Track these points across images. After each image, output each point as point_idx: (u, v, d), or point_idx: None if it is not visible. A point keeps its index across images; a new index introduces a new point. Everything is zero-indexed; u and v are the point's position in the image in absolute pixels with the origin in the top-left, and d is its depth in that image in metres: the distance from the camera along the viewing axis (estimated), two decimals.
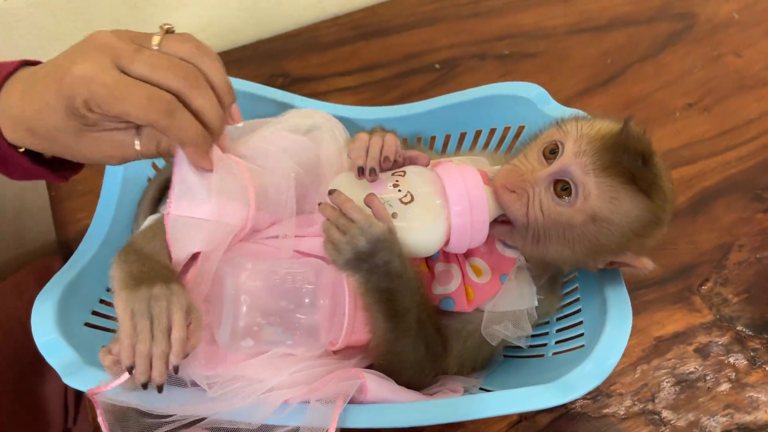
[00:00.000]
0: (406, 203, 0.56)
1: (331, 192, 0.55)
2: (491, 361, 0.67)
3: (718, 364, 0.73)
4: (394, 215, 0.55)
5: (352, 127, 0.77)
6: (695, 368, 0.72)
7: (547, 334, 0.68)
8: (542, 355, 0.66)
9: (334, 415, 0.51)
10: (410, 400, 0.57)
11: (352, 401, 0.53)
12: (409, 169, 0.60)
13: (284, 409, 0.51)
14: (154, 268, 0.53)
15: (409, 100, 0.98)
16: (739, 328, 0.75)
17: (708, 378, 0.72)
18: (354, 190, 0.56)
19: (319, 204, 0.56)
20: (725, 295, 0.78)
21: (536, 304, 0.61)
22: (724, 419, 0.69)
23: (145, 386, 0.48)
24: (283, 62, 1.04)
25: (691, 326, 0.75)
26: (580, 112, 0.69)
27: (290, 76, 1.03)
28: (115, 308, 0.50)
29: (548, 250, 0.59)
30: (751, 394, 0.70)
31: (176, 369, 0.49)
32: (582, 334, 0.62)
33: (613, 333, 0.57)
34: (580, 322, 0.64)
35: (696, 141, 0.94)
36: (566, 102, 0.99)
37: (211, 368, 0.55)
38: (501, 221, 0.60)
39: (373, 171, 0.57)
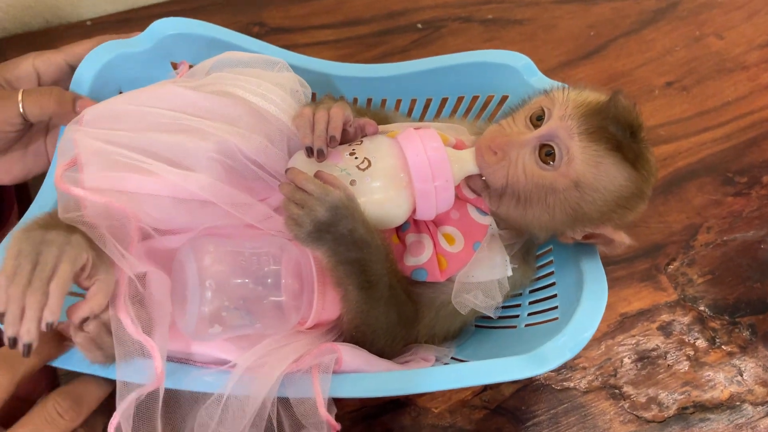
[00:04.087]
0: (363, 169, 0.54)
1: (287, 171, 0.53)
2: (463, 331, 0.67)
3: (679, 342, 0.74)
4: (352, 182, 0.53)
5: (330, 83, 0.75)
6: (657, 345, 0.74)
7: (519, 305, 0.68)
8: (515, 327, 0.66)
9: (316, 387, 0.50)
10: (384, 368, 0.56)
11: (327, 372, 0.52)
12: (366, 138, 0.58)
13: (268, 382, 0.50)
14: None
15: (390, 59, 0.96)
16: (701, 308, 0.77)
17: (668, 356, 0.73)
18: (311, 167, 0.54)
19: (279, 185, 0.53)
20: (690, 276, 0.79)
21: (509, 273, 0.60)
22: (681, 396, 0.70)
23: (13, 343, 0.43)
24: (261, 11, 1.00)
25: (655, 304, 0.77)
26: (564, 85, 0.68)
27: (267, 25, 0.99)
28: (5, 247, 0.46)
29: (526, 213, 0.58)
30: (709, 373, 0.72)
31: (49, 326, 0.44)
32: (556, 307, 0.62)
33: (588, 307, 0.57)
34: (554, 295, 0.64)
35: (673, 120, 0.95)
36: (548, 73, 0.98)
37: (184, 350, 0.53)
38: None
39: (321, 152, 0.54)
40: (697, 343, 0.74)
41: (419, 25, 1.01)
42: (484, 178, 0.58)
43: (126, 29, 0.94)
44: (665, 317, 0.76)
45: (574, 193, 0.55)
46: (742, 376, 0.72)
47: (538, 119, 0.58)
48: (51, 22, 0.95)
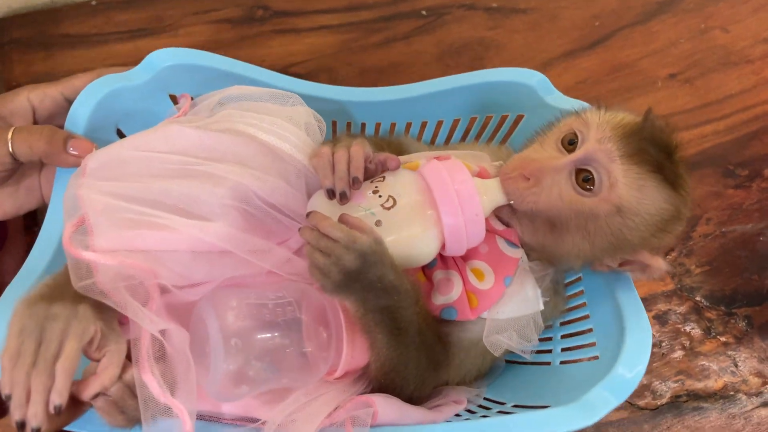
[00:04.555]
0: (388, 208, 0.51)
1: (308, 215, 0.50)
2: (493, 369, 0.65)
3: (675, 331, 0.74)
4: (377, 223, 0.51)
5: (337, 108, 0.71)
6: (652, 334, 0.73)
7: (551, 339, 0.65)
8: (548, 363, 0.64)
9: None
10: (419, 417, 0.54)
11: (361, 425, 0.50)
12: (388, 174, 0.55)
13: None
14: (66, 284, 0.46)
15: (393, 45, 0.96)
16: (698, 298, 0.77)
17: (664, 344, 0.73)
18: (332, 209, 0.51)
19: (299, 229, 0.50)
20: (688, 266, 0.79)
21: (542, 307, 0.57)
22: (675, 385, 0.70)
23: (21, 427, 0.40)
24: None
25: (652, 293, 0.77)
26: (584, 104, 0.66)
27: (270, 9, 0.98)
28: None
29: (563, 242, 0.55)
30: (703, 362, 0.72)
31: (58, 410, 0.41)
32: (593, 344, 0.60)
33: (633, 346, 0.54)
34: (590, 330, 0.62)
35: (675, 112, 0.94)
36: (551, 63, 0.98)
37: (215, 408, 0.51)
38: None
39: (344, 195, 0.51)
40: (692, 333, 0.74)
41: (423, 12, 1.01)
42: (512, 203, 0.55)
43: (131, 10, 0.95)
44: (661, 306, 0.76)
45: (617, 219, 0.53)
46: (736, 366, 0.72)
47: (570, 143, 0.55)
48: (56, 2, 0.95)
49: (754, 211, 0.85)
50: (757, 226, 0.83)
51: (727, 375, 0.72)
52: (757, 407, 0.70)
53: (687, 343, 0.74)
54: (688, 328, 0.75)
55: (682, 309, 0.76)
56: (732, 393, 0.71)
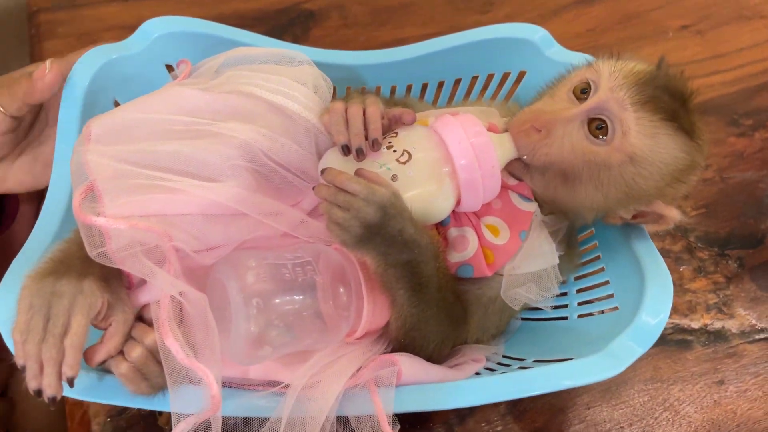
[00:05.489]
0: (403, 162, 0.51)
1: (322, 172, 0.50)
2: (508, 327, 0.65)
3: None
4: (393, 178, 0.50)
5: (334, 72, 0.65)
6: None
7: (566, 294, 0.65)
8: (565, 318, 0.64)
9: (377, 404, 0.48)
10: (440, 376, 0.53)
11: (387, 385, 0.49)
12: (401, 129, 0.54)
13: (326, 401, 0.47)
14: (73, 257, 0.47)
15: None
16: (691, 239, 0.78)
17: None
18: (347, 166, 0.50)
19: (313, 188, 0.50)
20: (684, 208, 0.80)
21: (557, 261, 0.57)
22: None
23: (38, 394, 0.43)
24: None
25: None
26: (587, 56, 0.66)
27: None
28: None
29: (576, 193, 0.55)
30: (691, 299, 0.73)
31: (71, 380, 0.43)
32: (611, 295, 0.60)
33: (656, 294, 0.54)
34: (606, 282, 0.62)
35: (684, 62, 0.94)
36: (561, 10, 0.99)
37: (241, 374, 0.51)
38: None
39: (360, 151, 0.50)
40: (683, 271, 0.75)
41: None
42: (525, 158, 0.55)
43: None
44: (656, 244, 0.77)
45: (630, 168, 0.53)
46: (725, 304, 0.73)
47: (582, 92, 0.55)
48: None
49: (756, 160, 0.85)
50: (758, 173, 0.84)
51: (714, 311, 0.73)
52: (742, 343, 0.71)
53: (677, 281, 0.75)
54: (679, 267, 0.76)
55: (675, 248, 0.77)
56: (718, 329, 0.72)
